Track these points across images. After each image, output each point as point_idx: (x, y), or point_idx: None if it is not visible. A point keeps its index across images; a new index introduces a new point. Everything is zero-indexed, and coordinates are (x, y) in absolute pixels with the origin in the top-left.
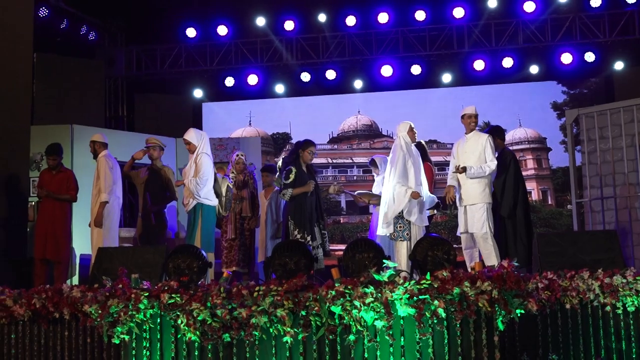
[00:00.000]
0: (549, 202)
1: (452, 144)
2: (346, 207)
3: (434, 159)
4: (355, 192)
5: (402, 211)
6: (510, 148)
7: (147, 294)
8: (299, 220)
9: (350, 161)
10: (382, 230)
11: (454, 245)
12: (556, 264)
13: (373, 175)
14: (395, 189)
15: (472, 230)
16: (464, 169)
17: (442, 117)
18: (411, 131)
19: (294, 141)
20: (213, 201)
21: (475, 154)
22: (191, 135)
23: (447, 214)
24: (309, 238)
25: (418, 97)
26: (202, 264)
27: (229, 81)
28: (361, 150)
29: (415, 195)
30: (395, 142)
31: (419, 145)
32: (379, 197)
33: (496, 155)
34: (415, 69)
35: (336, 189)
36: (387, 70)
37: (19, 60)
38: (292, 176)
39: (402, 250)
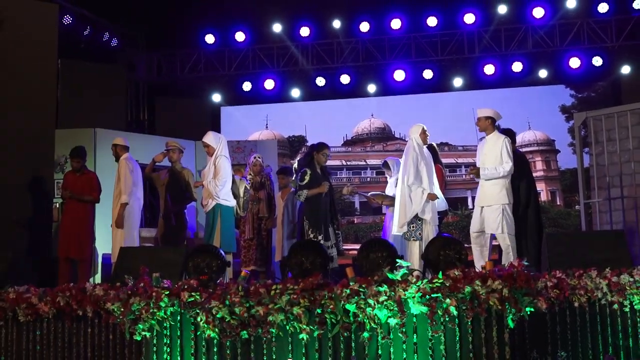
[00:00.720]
0: (558, 203)
1: (463, 147)
2: (360, 208)
3: (444, 160)
4: (369, 194)
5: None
6: (520, 150)
7: (167, 292)
8: (314, 220)
9: (364, 163)
10: (397, 229)
11: (465, 245)
12: (565, 263)
13: (386, 177)
14: (411, 190)
15: (488, 230)
16: (478, 170)
17: (453, 119)
18: (423, 133)
19: (309, 144)
20: (231, 202)
21: (493, 156)
22: (210, 138)
23: (458, 215)
24: (322, 238)
25: (430, 100)
26: (220, 263)
27: (247, 86)
28: (374, 152)
29: (433, 196)
30: (407, 144)
31: (430, 147)
32: (392, 198)
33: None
34: (427, 74)
35: (350, 190)
36: (399, 75)
37: (44, 66)
38: (307, 178)
39: (415, 250)
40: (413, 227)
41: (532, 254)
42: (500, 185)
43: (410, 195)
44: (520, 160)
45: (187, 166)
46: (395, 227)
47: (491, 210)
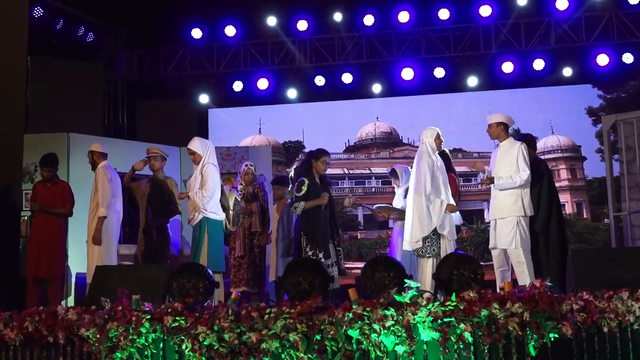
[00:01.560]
0: (584, 216)
1: (478, 153)
2: (364, 222)
3: (458, 169)
4: (374, 206)
5: None
6: (542, 157)
7: (149, 316)
8: (312, 236)
9: (368, 172)
10: (409, 245)
11: (482, 263)
12: (592, 283)
13: (393, 187)
14: (430, 201)
15: (500, 245)
16: (492, 180)
17: (468, 123)
18: (438, 139)
19: (307, 150)
20: (220, 215)
21: (507, 164)
22: (196, 144)
23: (473, 229)
24: (322, 255)
25: (441, 102)
26: (208, 284)
27: (237, 85)
28: (380, 159)
29: (452, 208)
30: (420, 148)
31: (442, 155)
32: (400, 211)
33: None
34: (439, 72)
35: (352, 202)
36: (408, 74)
37: (12, 63)
38: (304, 188)
39: (427, 269)
40: (428, 242)
41: (555, 273)
42: (516, 195)
43: (428, 207)
44: (541, 169)
45: (171, 175)
46: (407, 242)
47: (504, 223)
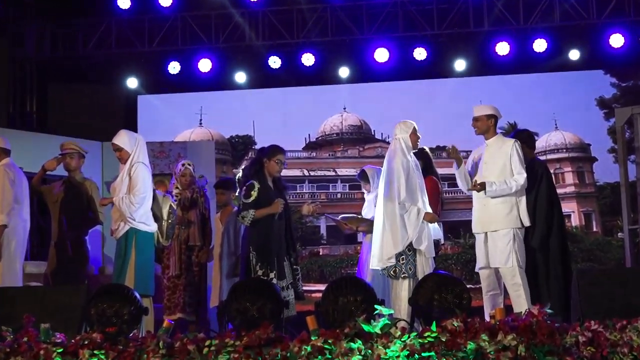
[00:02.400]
0: (594, 229)
1: (467, 152)
2: (327, 235)
3: (442, 171)
4: (339, 217)
5: None
6: (542, 158)
7: (61, 349)
8: (263, 251)
9: (333, 174)
10: (379, 263)
11: (469, 286)
12: (602, 310)
13: (363, 193)
14: (403, 209)
15: (495, 263)
16: (483, 186)
17: (454, 115)
18: (414, 134)
19: (258, 147)
20: (151, 226)
21: (498, 166)
22: (123, 138)
23: (459, 244)
24: (274, 275)
25: (422, 89)
26: (134, 309)
27: (174, 67)
28: (347, 159)
29: (431, 218)
30: (391, 146)
31: (421, 154)
32: (370, 222)
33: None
34: (419, 53)
35: (313, 210)
36: (382, 55)
37: None
38: (254, 193)
39: (403, 293)
40: (402, 259)
41: (556, 298)
42: (510, 203)
43: (403, 217)
44: (539, 172)
45: (91, 177)
46: (377, 259)
47: (498, 237)
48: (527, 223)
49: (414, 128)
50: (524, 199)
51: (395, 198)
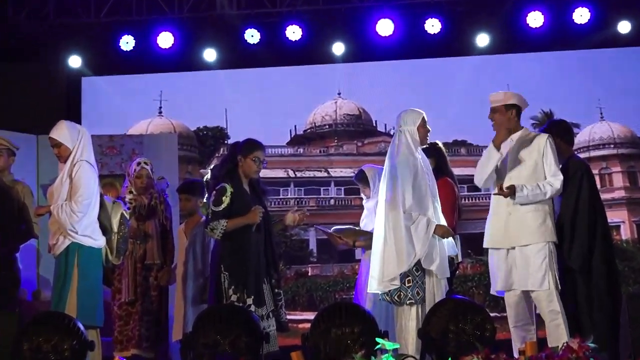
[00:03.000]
0: None
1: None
2: (317, 251)
3: (459, 172)
4: (332, 229)
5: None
6: (585, 155)
7: None
8: (238, 271)
9: (325, 175)
10: (379, 286)
11: (493, 314)
12: None
13: (361, 199)
14: (409, 220)
15: (526, 285)
16: (512, 190)
17: (475, 102)
18: (423, 127)
19: (231, 142)
20: (98, 240)
21: (527, 166)
22: (62, 131)
23: (482, 262)
24: (252, 301)
25: (435, 70)
26: (77, 344)
27: (127, 42)
28: (343, 157)
29: (444, 231)
30: (395, 140)
31: (433, 150)
32: (370, 235)
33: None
34: (432, 25)
35: (298, 219)
36: (385, 27)
37: None
38: (225, 199)
39: (410, 323)
40: (409, 281)
41: (601, 329)
42: (543, 212)
43: (409, 229)
44: (578, 173)
45: (23, 179)
46: (377, 281)
47: (531, 253)
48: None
49: (423, 119)
50: (553, 208)
51: (400, 206)
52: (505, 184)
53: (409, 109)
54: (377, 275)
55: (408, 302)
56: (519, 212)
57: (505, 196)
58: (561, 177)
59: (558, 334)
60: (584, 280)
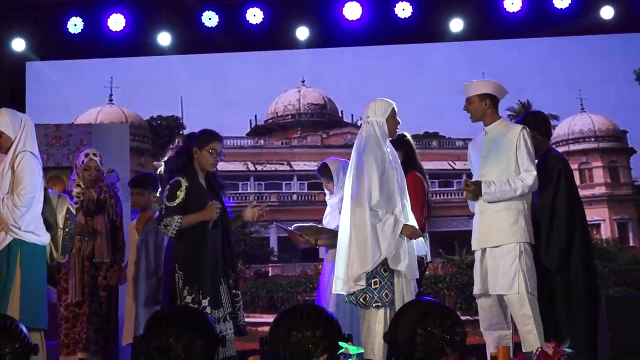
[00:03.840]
0: (630, 243)
1: (464, 141)
2: (278, 249)
3: (430, 166)
4: (293, 226)
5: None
6: (563, 149)
7: None
8: (193, 271)
9: (287, 168)
10: (344, 286)
11: (467, 317)
12: None
13: (325, 194)
14: (376, 218)
15: (496, 289)
16: (478, 187)
17: (448, 92)
18: (393, 118)
19: (186, 132)
20: (42, 237)
21: (500, 160)
22: (3, 119)
23: (453, 262)
24: (207, 303)
25: (406, 57)
26: (20, 348)
27: (75, 24)
28: (306, 149)
29: (411, 231)
30: (361, 132)
31: (401, 142)
32: (334, 233)
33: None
34: (402, 9)
35: (257, 215)
36: (352, 10)
37: None
38: (180, 194)
39: (377, 326)
40: (375, 283)
41: (579, 332)
42: (516, 211)
43: (375, 227)
44: (555, 169)
45: None
46: (342, 281)
47: (501, 255)
48: (532, 240)
49: (393, 109)
50: (530, 206)
51: (365, 202)
52: (479, 179)
53: (378, 98)
54: (342, 275)
55: (374, 304)
56: (490, 211)
57: (472, 193)
58: (534, 172)
59: (530, 340)
60: (561, 282)
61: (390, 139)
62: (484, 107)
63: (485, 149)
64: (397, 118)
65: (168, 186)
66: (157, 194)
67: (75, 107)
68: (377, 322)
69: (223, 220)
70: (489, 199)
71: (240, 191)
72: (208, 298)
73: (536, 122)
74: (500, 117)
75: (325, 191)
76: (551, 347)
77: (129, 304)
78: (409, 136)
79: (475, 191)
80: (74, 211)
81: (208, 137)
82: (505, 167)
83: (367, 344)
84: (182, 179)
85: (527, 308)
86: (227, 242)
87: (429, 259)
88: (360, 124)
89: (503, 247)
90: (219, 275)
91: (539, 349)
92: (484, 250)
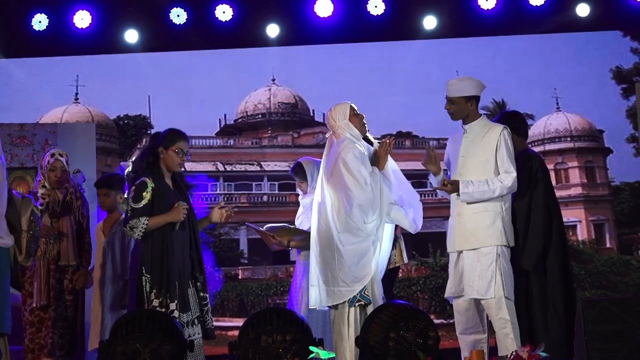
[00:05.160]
0: (607, 244)
1: (438, 140)
2: (249, 251)
3: (404, 166)
4: (265, 227)
5: None
6: (539, 149)
7: None
8: (160, 274)
9: (258, 169)
10: (326, 299)
11: (441, 321)
12: (616, 351)
13: (297, 195)
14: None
15: (472, 293)
16: (455, 186)
17: (422, 91)
18: (355, 115)
19: (153, 131)
20: (5, 239)
21: (480, 161)
22: None
23: (427, 264)
24: (175, 306)
25: (379, 55)
26: None
27: (39, 21)
28: (277, 148)
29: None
30: (332, 139)
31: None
32: (306, 234)
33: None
34: (375, 6)
35: (226, 216)
36: (324, 7)
37: None
38: (146, 195)
39: (349, 329)
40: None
41: (554, 336)
42: (493, 213)
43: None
44: (533, 168)
45: None
46: (314, 293)
47: (476, 258)
48: (512, 242)
49: (351, 107)
50: (510, 208)
51: (347, 207)
52: (457, 179)
53: (333, 105)
54: (317, 283)
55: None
56: (467, 213)
57: (448, 192)
58: (514, 174)
59: (507, 343)
60: (537, 283)
61: (363, 135)
62: (469, 109)
63: (464, 148)
64: (359, 113)
65: (134, 187)
66: (124, 195)
67: (40, 106)
68: (348, 325)
69: (190, 222)
70: (467, 199)
71: (208, 192)
72: (176, 301)
73: (512, 122)
74: (481, 115)
75: (299, 191)
76: (526, 351)
77: (96, 308)
78: (372, 137)
79: (453, 191)
80: (38, 213)
81: (174, 136)
82: (484, 167)
83: (339, 348)
84: (148, 179)
85: (505, 312)
86: (194, 244)
87: (405, 260)
88: (328, 136)
89: (480, 249)
90: (186, 278)
91: (514, 353)
92: (460, 253)
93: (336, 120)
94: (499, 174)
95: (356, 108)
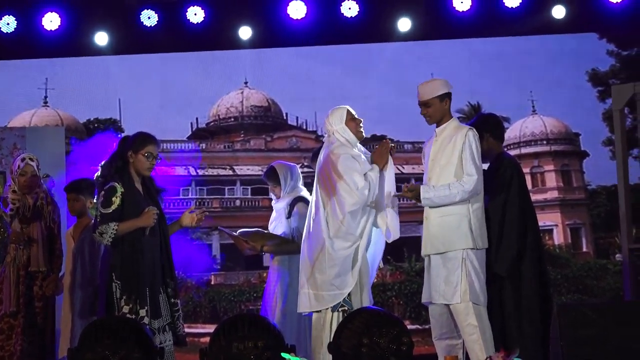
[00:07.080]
0: (583, 249)
1: (413, 144)
2: (221, 257)
3: None
4: (237, 231)
5: None
6: (515, 152)
7: None
8: (130, 280)
9: (230, 173)
10: (316, 303)
11: (415, 327)
12: (592, 356)
13: (270, 199)
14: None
15: (439, 298)
16: (417, 192)
17: (396, 93)
18: (352, 120)
19: (123, 135)
20: None
21: (445, 163)
22: None
23: (402, 270)
24: (145, 312)
25: (353, 58)
26: None
27: (7, 23)
28: (249, 152)
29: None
30: (327, 143)
31: None
32: (281, 239)
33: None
34: (349, 8)
35: (196, 219)
36: (297, 9)
37: None
38: (115, 200)
39: (323, 333)
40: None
41: (529, 341)
42: (459, 217)
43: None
44: (507, 172)
45: None
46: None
47: (443, 262)
48: (483, 244)
49: (348, 111)
50: (480, 209)
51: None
52: (425, 184)
53: (331, 109)
54: (306, 290)
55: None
56: (433, 217)
57: (410, 198)
58: (475, 176)
59: (475, 350)
60: (512, 289)
61: (359, 141)
62: (445, 108)
63: (434, 152)
64: (357, 117)
65: (103, 192)
66: (94, 200)
67: (8, 110)
68: (331, 330)
69: (161, 227)
70: (428, 204)
71: (180, 197)
72: (146, 308)
73: (488, 125)
74: (451, 118)
75: (272, 195)
76: (500, 357)
77: (66, 315)
78: None
79: (414, 196)
80: (7, 219)
81: (143, 140)
82: (450, 171)
83: (317, 354)
84: (118, 184)
85: (473, 317)
86: (165, 249)
87: (380, 265)
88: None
89: (446, 254)
90: (157, 284)
91: (489, 359)
92: (429, 258)
93: (332, 125)
94: (463, 177)
95: (354, 112)
